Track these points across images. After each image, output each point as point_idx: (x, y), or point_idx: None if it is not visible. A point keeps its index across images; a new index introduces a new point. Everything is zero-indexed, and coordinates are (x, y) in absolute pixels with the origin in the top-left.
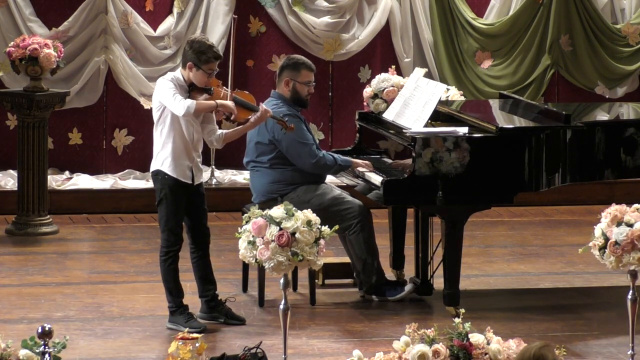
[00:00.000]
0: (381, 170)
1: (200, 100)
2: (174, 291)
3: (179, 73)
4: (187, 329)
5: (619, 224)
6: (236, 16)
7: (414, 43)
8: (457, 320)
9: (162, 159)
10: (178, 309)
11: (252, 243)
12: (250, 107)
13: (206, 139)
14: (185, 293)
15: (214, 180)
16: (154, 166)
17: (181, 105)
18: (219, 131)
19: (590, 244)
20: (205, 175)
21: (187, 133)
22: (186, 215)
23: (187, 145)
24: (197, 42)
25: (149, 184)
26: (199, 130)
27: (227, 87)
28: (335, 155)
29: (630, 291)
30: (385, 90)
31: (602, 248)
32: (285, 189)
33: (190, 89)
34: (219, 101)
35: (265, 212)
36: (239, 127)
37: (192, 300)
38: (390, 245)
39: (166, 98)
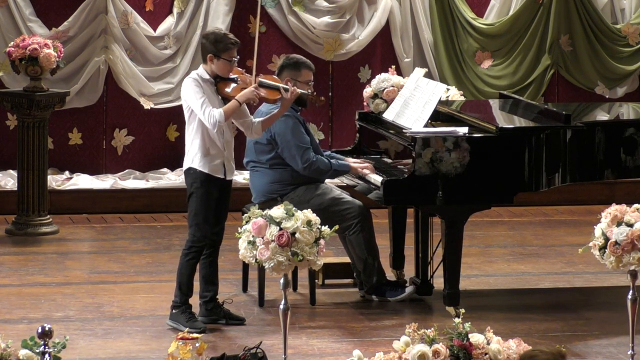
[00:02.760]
0: (381, 170)
1: (228, 92)
2: (184, 288)
3: (202, 70)
4: (187, 329)
5: (619, 224)
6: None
7: (414, 43)
8: (457, 320)
9: (192, 155)
10: (182, 307)
11: (252, 243)
12: (277, 88)
13: (245, 132)
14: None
15: None
16: (185, 163)
17: (211, 120)
18: (254, 120)
19: (590, 244)
20: None
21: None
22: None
23: (217, 140)
24: (212, 33)
25: (148, 184)
26: (229, 124)
27: (250, 74)
28: (333, 160)
29: (630, 291)
30: (385, 90)
31: (602, 248)
32: (285, 189)
33: (216, 82)
34: (240, 97)
35: (265, 212)
36: (273, 113)
37: (193, 300)
38: (390, 245)
39: (195, 107)
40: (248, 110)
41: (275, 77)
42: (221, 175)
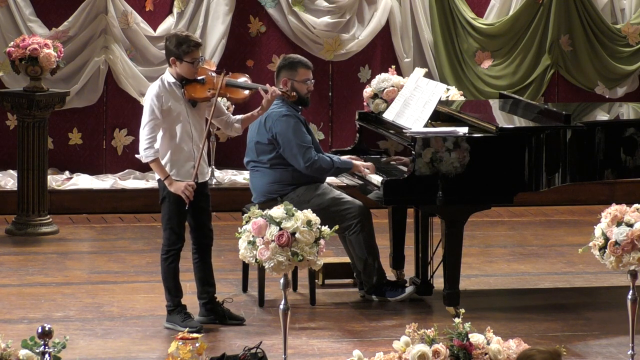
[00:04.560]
0: (381, 170)
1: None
2: (173, 291)
3: (167, 74)
4: (186, 329)
5: (619, 224)
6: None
7: (414, 43)
8: (457, 320)
9: (163, 163)
10: (175, 309)
11: (252, 243)
12: (245, 86)
13: (224, 130)
14: (184, 293)
15: (214, 180)
16: None
17: (143, 150)
18: (233, 117)
19: (590, 244)
20: None
21: (184, 132)
22: (190, 216)
23: (185, 144)
24: (174, 36)
25: (149, 184)
26: (200, 126)
27: (216, 73)
28: (334, 158)
29: (630, 291)
30: (385, 90)
31: (602, 248)
32: (285, 189)
33: (183, 84)
34: (168, 183)
35: (265, 212)
36: (253, 111)
37: (192, 300)
38: (390, 245)
39: (141, 123)
40: (224, 108)
41: (247, 77)
42: (192, 180)
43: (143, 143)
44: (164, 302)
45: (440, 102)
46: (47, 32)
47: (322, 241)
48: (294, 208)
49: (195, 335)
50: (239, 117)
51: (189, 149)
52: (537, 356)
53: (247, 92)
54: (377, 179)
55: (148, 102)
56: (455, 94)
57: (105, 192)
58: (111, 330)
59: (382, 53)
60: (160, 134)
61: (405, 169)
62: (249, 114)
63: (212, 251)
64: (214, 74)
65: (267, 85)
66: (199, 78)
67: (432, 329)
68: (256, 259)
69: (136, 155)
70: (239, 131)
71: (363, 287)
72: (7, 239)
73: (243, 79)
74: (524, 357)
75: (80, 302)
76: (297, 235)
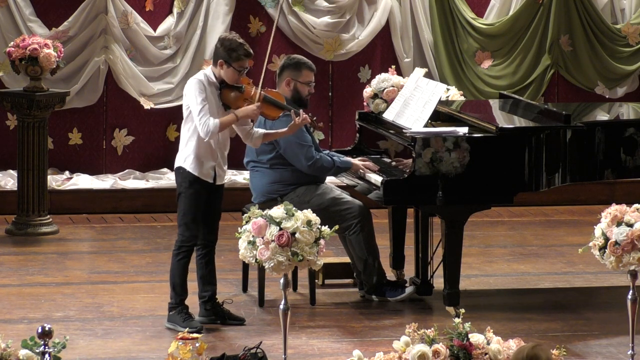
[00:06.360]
0: (381, 170)
1: (231, 100)
2: (178, 289)
3: (209, 71)
4: (187, 329)
5: (619, 224)
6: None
7: (414, 43)
8: (457, 320)
9: (185, 156)
10: (177, 307)
11: (252, 243)
12: (280, 106)
13: (243, 139)
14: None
15: None
16: (177, 162)
17: (204, 129)
18: (256, 130)
19: (590, 244)
20: None
21: None
22: (202, 213)
23: (211, 144)
24: (229, 40)
25: (149, 184)
26: (226, 130)
27: (257, 86)
28: (335, 157)
29: (630, 291)
30: (385, 90)
31: (602, 248)
32: (285, 189)
33: (221, 87)
34: (239, 112)
35: (265, 212)
36: (277, 131)
37: (192, 300)
38: (390, 245)
39: (194, 110)
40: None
41: (281, 95)
42: (210, 180)
43: (201, 126)
44: (164, 302)
45: (440, 102)
46: (47, 32)
47: (322, 241)
48: (294, 208)
49: (195, 335)
50: (261, 131)
51: (214, 149)
52: (542, 355)
53: (280, 112)
54: (377, 179)
55: (194, 89)
56: (455, 94)
57: (105, 192)
58: (111, 330)
59: (382, 53)
60: (191, 126)
61: (405, 168)
62: (272, 131)
63: None
64: (253, 85)
65: (301, 110)
66: (238, 85)
67: (432, 329)
68: (256, 259)
69: (205, 140)
70: (257, 144)
71: (363, 287)
72: (7, 239)
73: (279, 98)
74: (532, 356)
75: (80, 302)
76: (297, 235)
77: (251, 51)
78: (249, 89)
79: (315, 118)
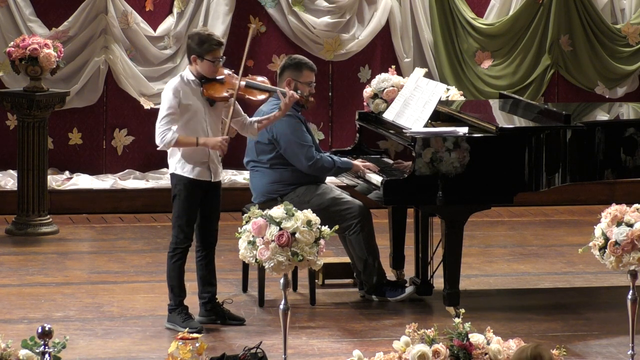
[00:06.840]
0: (381, 170)
1: (213, 94)
2: (176, 290)
3: (187, 71)
4: (187, 329)
5: (619, 224)
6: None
7: (414, 43)
8: (457, 320)
9: (175, 161)
10: (177, 308)
11: (252, 243)
12: (264, 89)
13: (239, 131)
14: (187, 293)
15: None
16: (170, 167)
17: (161, 136)
18: (250, 120)
19: (590, 244)
20: None
21: (200, 130)
22: (199, 213)
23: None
24: (196, 34)
25: (148, 184)
26: (216, 126)
27: (235, 73)
28: (335, 157)
29: (630, 291)
30: (385, 90)
31: (602, 248)
32: (285, 189)
33: (202, 83)
34: (202, 141)
35: (265, 212)
36: (270, 115)
37: (192, 300)
38: (390, 245)
39: (159, 115)
40: (241, 109)
41: (265, 79)
42: (207, 179)
43: (159, 133)
44: (164, 302)
45: (440, 102)
46: (47, 32)
47: (322, 241)
48: (294, 208)
49: (195, 335)
50: (255, 118)
51: (205, 149)
52: (545, 355)
53: (265, 94)
54: (377, 179)
55: (167, 95)
56: (455, 94)
57: (105, 192)
58: (111, 330)
59: (382, 53)
60: (179, 129)
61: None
62: (266, 116)
63: None
64: (233, 74)
65: (286, 88)
66: (218, 77)
67: (432, 329)
68: (256, 259)
69: (157, 148)
70: (256, 133)
71: (363, 287)
72: (7, 239)
73: (262, 80)
74: (536, 355)
75: (80, 302)
76: (297, 235)
77: (221, 40)
78: (230, 78)
79: (304, 94)
